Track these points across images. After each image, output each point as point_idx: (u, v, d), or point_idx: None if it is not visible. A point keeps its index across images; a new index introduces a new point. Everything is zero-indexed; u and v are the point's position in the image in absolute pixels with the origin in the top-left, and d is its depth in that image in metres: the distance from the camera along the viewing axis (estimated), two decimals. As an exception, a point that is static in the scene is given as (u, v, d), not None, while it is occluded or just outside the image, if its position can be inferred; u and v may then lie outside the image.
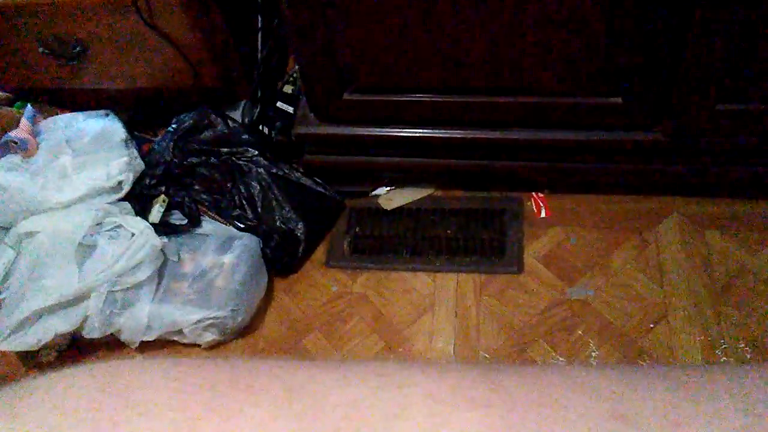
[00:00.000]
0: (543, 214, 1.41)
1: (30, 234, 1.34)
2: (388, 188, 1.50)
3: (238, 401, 0.23)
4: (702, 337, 1.20)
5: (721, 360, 1.17)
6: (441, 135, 1.27)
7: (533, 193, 1.44)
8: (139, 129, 1.61)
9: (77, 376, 0.25)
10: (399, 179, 1.49)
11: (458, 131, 1.26)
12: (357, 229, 1.46)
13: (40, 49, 1.42)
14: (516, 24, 1.05)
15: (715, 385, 0.23)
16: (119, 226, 1.33)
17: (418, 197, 1.48)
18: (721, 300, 1.24)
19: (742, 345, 1.18)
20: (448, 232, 1.42)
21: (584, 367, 0.24)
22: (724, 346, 1.18)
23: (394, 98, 1.23)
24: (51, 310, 1.26)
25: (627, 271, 1.31)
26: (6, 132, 1.44)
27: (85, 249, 1.30)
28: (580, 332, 1.24)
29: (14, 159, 1.44)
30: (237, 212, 1.39)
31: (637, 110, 1.16)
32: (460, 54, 1.12)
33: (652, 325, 1.23)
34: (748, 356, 1.17)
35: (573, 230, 1.38)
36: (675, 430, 0.20)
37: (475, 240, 1.40)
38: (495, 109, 1.21)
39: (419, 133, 1.28)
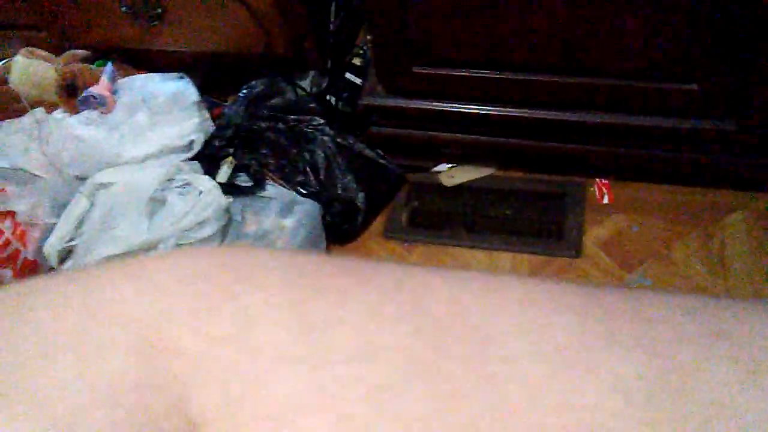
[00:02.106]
0: (606, 201, 1.39)
1: (105, 185, 1.40)
2: (449, 165, 1.50)
3: (348, 284, 0.24)
4: (762, 335, 1.17)
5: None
6: (508, 113, 1.27)
7: (597, 178, 1.42)
8: (209, 93, 1.66)
9: (196, 254, 0.26)
10: (461, 156, 1.49)
11: (526, 110, 1.26)
12: (416, 203, 1.47)
13: (123, 8, 1.48)
14: (593, 3, 1.04)
15: None
16: (188, 184, 1.38)
17: (479, 176, 1.48)
18: (785, 299, 1.20)
19: (805, 345, 1.15)
20: (507, 212, 1.42)
21: (681, 293, 0.24)
22: (785, 345, 1.15)
23: (464, 73, 1.23)
24: (120, 258, 1.32)
25: (688, 262, 1.28)
26: (87, 87, 1.50)
27: (156, 203, 1.36)
28: (635, 320, 1.23)
29: (93, 114, 1.50)
30: (300, 178, 1.42)
31: (712, 98, 1.14)
32: (534, 31, 1.11)
33: (710, 319, 1.21)
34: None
35: (636, 218, 1.36)
36: None
37: (534, 222, 1.39)
38: (565, 90, 1.20)
39: (486, 110, 1.28)
